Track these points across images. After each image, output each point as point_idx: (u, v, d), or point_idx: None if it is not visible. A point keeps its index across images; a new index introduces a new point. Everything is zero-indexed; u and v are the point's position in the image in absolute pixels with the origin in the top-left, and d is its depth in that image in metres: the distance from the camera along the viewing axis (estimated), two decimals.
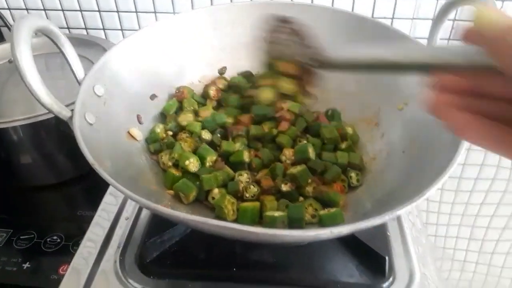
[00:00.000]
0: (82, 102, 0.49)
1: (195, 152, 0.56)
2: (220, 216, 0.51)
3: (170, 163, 0.56)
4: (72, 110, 0.47)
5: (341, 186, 0.55)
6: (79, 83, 0.52)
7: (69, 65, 0.51)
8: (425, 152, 0.51)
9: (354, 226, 0.37)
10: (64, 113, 0.47)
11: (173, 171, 0.54)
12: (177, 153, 0.55)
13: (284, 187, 0.52)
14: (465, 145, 0.44)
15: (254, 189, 0.53)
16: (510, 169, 0.68)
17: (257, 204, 0.51)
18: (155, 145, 0.58)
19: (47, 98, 0.45)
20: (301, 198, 0.53)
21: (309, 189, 0.53)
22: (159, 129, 0.59)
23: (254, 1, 0.67)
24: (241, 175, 0.54)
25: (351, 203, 0.53)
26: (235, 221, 0.51)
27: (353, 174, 0.56)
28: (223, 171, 0.54)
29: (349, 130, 0.61)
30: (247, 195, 0.53)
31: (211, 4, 0.86)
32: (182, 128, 0.60)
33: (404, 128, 0.56)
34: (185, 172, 0.54)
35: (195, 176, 0.54)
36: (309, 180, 0.53)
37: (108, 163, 0.47)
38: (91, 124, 0.49)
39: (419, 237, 0.56)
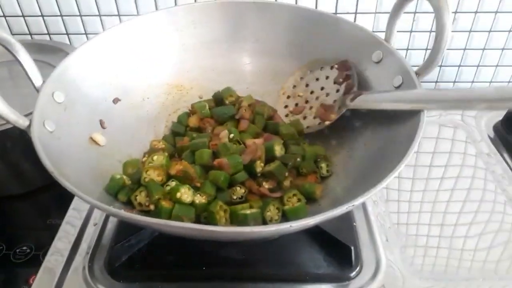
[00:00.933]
0: (40, 110, 0.48)
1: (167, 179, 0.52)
2: (211, 222, 0.49)
3: (148, 203, 0.50)
4: (30, 119, 0.47)
5: (315, 178, 0.56)
6: (37, 90, 0.51)
7: (25, 72, 0.50)
8: (385, 143, 0.52)
9: (314, 219, 0.37)
10: (21, 122, 0.46)
11: (166, 205, 0.49)
12: (158, 190, 0.49)
13: (266, 185, 0.53)
14: (420, 136, 0.46)
15: (241, 190, 0.53)
16: (462, 154, 0.71)
17: (257, 211, 0.49)
18: (122, 193, 0.52)
19: (4, 108, 0.44)
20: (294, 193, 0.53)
21: (286, 183, 0.54)
22: (118, 175, 0.53)
23: (216, 1, 0.67)
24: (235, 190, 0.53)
25: (325, 192, 0.54)
26: None
27: (323, 165, 0.58)
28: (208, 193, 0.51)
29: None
30: (234, 197, 0.52)
31: (175, 5, 0.86)
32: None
33: (364, 121, 0.58)
34: (178, 203, 0.50)
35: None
36: (286, 174, 0.54)
37: (70, 170, 0.46)
38: (51, 132, 0.48)
39: (384, 225, 0.58)
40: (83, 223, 0.59)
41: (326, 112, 0.62)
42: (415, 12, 0.86)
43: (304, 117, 0.65)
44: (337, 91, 0.62)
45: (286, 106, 0.68)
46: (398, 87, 0.55)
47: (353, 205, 0.39)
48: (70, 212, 0.62)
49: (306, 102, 0.66)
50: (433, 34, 0.85)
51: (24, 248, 0.62)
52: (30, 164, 0.70)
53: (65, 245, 0.56)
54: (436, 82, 0.96)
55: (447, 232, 0.57)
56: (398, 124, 0.50)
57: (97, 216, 0.60)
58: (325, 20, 0.64)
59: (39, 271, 0.54)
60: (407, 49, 0.91)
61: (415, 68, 0.54)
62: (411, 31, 0.88)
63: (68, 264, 0.54)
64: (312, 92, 0.66)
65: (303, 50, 0.66)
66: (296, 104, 0.67)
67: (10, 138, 0.65)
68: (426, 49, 0.91)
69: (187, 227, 0.37)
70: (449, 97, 0.47)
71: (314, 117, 0.64)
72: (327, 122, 0.61)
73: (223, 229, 0.36)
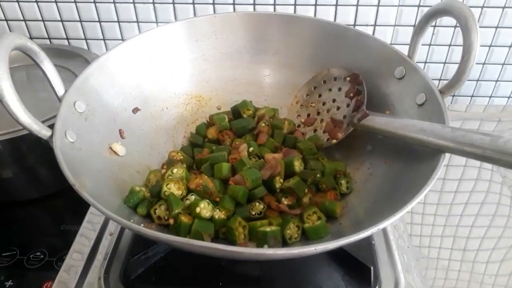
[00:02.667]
0: (62, 120, 0.48)
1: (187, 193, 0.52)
2: (229, 238, 0.49)
3: (167, 217, 0.49)
4: (52, 129, 0.47)
5: (334, 194, 0.55)
6: (59, 99, 0.51)
7: (49, 81, 0.50)
8: (407, 162, 0.51)
9: (338, 242, 0.37)
10: (44, 132, 0.46)
11: (185, 220, 0.48)
12: (178, 205, 0.49)
13: (285, 201, 0.52)
14: (445, 159, 0.45)
15: (260, 206, 0.52)
16: (488, 181, 0.70)
17: (277, 229, 0.48)
18: (142, 207, 0.51)
19: (26, 118, 0.44)
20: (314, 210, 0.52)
21: (305, 200, 0.54)
22: (138, 187, 0.53)
23: (236, 12, 0.67)
24: (254, 206, 0.52)
25: (345, 210, 0.54)
26: None
27: (343, 182, 0.57)
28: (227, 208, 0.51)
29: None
30: (253, 212, 0.52)
31: (194, 13, 0.86)
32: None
33: (387, 138, 0.57)
34: (197, 218, 0.49)
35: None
36: (306, 191, 0.53)
37: (90, 181, 0.46)
38: (72, 142, 0.48)
39: (403, 245, 0.57)
40: (99, 232, 0.59)
41: (335, 129, 0.62)
42: (435, 26, 0.85)
43: (315, 130, 0.65)
44: (348, 105, 0.62)
45: (298, 115, 0.68)
46: (421, 105, 0.54)
47: (378, 229, 0.39)
48: (87, 220, 0.62)
49: (318, 113, 0.66)
50: (452, 48, 0.87)
51: (38, 253, 0.63)
52: (45, 169, 0.71)
53: (80, 255, 0.56)
54: (472, 96, 0.95)
55: (469, 257, 0.55)
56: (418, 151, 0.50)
57: (113, 226, 0.60)
58: (347, 34, 0.64)
59: (55, 281, 0.54)
60: (425, 62, 0.90)
61: (439, 85, 0.53)
62: (430, 44, 0.88)
63: (84, 274, 0.54)
64: (324, 104, 0.66)
65: (324, 64, 0.66)
66: (308, 115, 0.67)
67: (26, 143, 0.66)
68: (445, 63, 0.90)
69: (210, 246, 0.36)
70: (475, 144, 0.43)
71: (324, 132, 0.64)
72: (334, 141, 0.62)
73: (245, 250, 0.35)
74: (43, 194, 0.72)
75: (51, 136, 0.46)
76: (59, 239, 0.65)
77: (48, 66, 0.50)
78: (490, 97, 0.94)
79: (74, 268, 0.55)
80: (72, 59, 0.81)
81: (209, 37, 0.67)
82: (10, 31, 0.91)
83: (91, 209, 0.64)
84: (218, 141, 0.63)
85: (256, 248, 0.35)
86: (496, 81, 0.92)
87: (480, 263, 0.55)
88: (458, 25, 0.50)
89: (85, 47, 0.93)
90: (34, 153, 0.68)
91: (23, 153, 0.67)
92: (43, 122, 0.63)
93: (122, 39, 0.91)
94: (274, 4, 0.84)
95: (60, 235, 0.65)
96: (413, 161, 0.50)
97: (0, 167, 0.68)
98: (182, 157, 0.60)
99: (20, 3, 0.87)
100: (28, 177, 0.71)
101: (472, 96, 0.95)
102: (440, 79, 0.91)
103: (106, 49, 0.93)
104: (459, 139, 0.44)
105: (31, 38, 0.92)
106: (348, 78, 0.63)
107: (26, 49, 0.48)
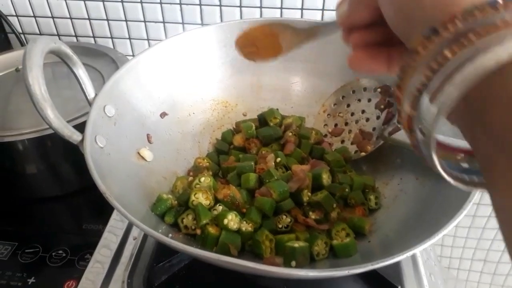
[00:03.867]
0: (93, 125, 0.48)
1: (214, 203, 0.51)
2: (256, 252, 0.48)
3: (194, 227, 0.49)
4: (82, 133, 0.47)
5: (362, 210, 0.54)
6: (90, 103, 0.51)
7: (80, 85, 0.51)
8: (439, 180, 0.50)
9: (371, 266, 0.36)
10: (75, 137, 0.46)
11: (213, 231, 0.48)
12: (206, 215, 0.48)
13: (313, 215, 0.51)
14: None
15: (287, 219, 0.52)
16: None
17: (306, 245, 0.47)
18: (169, 216, 0.50)
19: (58, 123, 0.44)
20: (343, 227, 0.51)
21: (333, 214, 0.52)
22: (165, 195, 0.52)
23: (264, 19, 0.66)
24: (281, 219, 0.52)
25: (374, 227, 0.52)
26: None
27: (372, 197, 0.56)
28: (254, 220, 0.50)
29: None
30: (280, 225, 0.51)
31: (220, 15, 0.85)
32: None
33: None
34: (225, 230, 0.48)
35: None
36: (334, 205, 0.52)
37: (119, 188, 0.46)
38: (101, 147, 0.48)
39: (431, 264, 0.55)
40: (123, 236, 0.59)
41: (364, 141, 0.61)
42: None
43: (342, 141, 0.64)
44: (377, 117, 0.60)
45: (325, 125, 0.67)
46: None
47: (411, 253, 0.38)
48: (110, 224, 0.62)
49: (346, 124, 0.65)
50: None
51: (60, 252, 0.63)
52: (69, 166, 0.71)
53: (105, 257, 0.56)
54: None
55: (499, 281, 0.54)
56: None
57: (137, 231, 0.60)
58: None
59: (77, 278, 0.54)
60: None
61: None
62: None
63: (109, 277, 0.54)
64: (352, 114, 0.64)
65: (354, 74, 0.65)
66: (336, 125, 0.66)
67: (52, 140, 0.66)
68: None
69: (240, 264, 0.36)
70: None
71: (352, 143, 0.62)
72: (362, 154, 0.60)
73: (276, 270, 0.34)
74: (66, 191, 0.73)
75: (82, 141, 0.46)
76: (81, 238, 0.65)
77: (80, 71, 0.50)
78: None
79: (97, 272, 0.55)
80: (98, 58, 0.81)
81: None
82: (38, 28, 0.92)
83: (115, 212, 0.64)
84: (244, 148, 0.62)
85: (286, 268, 0.35)
86: None
87: None
88: None
89: (111, 46, 0.93)
90: (59, 150, 0.68)
91: (48, 151, 0.68)
92: (69, 121, 0.65)
93: (148, 39, 0.91)
94: (302, 9, 0.83)
95: (82, 234, 0.66)
96: (446, 180, 0.49)
97: (25, 163, 0.69)
98: (208, 163, 0.59)
99: (48, 0, 0.88)
100: (52, 174, 0.71)
101: None
102: None
103: (132, 48, 0.93)
104: None
105: (58, 35, 0.93)
106: (379, 90, 0.61)
107: (60, 53, 0.48)
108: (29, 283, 0.58)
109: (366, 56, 0.31)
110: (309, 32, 0.39)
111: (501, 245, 0.60)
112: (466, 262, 0.56)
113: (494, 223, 0.64)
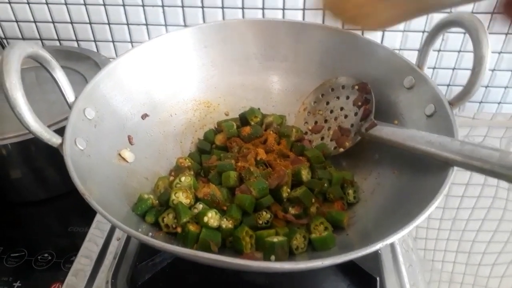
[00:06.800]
0: (72, 128, 0.49)
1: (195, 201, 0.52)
2: (236, 248, 0.49)
3: (175, 225, 0.50)
4: (62, 136, 0.47)
5: (341, 204, 0.55)
6: (70, 106, 0.51)
7: (60, 89, 0.51)
8: (415, 174, 0.51)
9: (345, 257, 0.37)
10: (54, 140, 0.47)
11: (193, 229, 0.48)
12: (186, 213, 0.49)
13: (292, 211, 0.52)
14: (454, 170, 0.45)
15: (267, 215, 0.52)
16: (495, 187, 0.69)
17: (284, 239, 0.48)
18: (150, 215, 0.51)
19: (37, 127, 0.45)
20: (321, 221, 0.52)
21: (312, 209, 0.54)
22: (146, 195, 0.53)
23: (243, 19, 0.67)
24: (261, 215, 0.52)
25: (352, 221, 0.53)
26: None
27: (350, 191, 0.57)
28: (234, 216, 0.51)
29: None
30: (260, 221, 0.52)
31: (203, 17, 0.86)
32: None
33: (394, 147, 0.57)
34: (205, 227, 0.49)
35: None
36: (313, 200, 0.53)
37: (99, 189, 0.47)
38: (81, 150, 0.49)
39: (409, 253, 0.57)
40: (107, 236, 0.60)
41: (342, 137, 0.62)
42: (444, 32, 0.85)
43: (322, 138, 0.65)
44: (355, 114, 0.62)
45: (306, 123, 0.68)
46: (430, 116, 0.54)
47: (385, 243, 0.39)
48: (94, 225, 0.62)
49: (325, 121, 0.66)
50: (462, 54, 0.86)
51: (46, 255, 0.63)
52: (53, 170, 0.71)
53: (88, 259, 0.57)
54: (481, 102, 0.94)
55: (472, 270, 0.56)
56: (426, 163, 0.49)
57: (120, 231, 0.60)
58: (357, 42, 0.63)
59: (63, 285, 0.55)
60: (434, 68, 0.90)
61: (448, 92, 0.53)
62: (439, 50, 0.87)
63: (92, 278, 0.55)
64: (331, 111, 0.66)
65: (332, 71, 0.66)
66: (316, 122, 0.67)
67: (35, 144, 0.66)
68: (454, 68, 0.89)
69: (217, 259, 0.36)
70: (483, 158, 0.43)
71: (331, 140, 0.64)
72: (341, 149, 0.62)
73: (253, 264, 0.35)
74: (51, 195, 0.73)
75: (61, 144, 0.47)
76: (66, 240, 0.65)
77: (59, 74, 0.50)
78: (499, 103, 0.94)
79: (82, 272, 0.56)
80: (81, 61, 0.82)
81: (218, 43, 0.67)
82: (20, 32, 0.92)
83: (98, 215, 0.64)
84: (226, 147, 0.63)
85: (263, 262, 0.36)
86: (506, 87, 0.91)
87: (485, 266, 0.55)
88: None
89: (94, 49, 0.93)
90: (43, 154, 0.69)
91: (32, 155, 0.68)
92: (53, 125, 0.65)
93: (131, 42, 0.91)
94: (283, 9, 0.84)
95: (68, 237, 0.66)
96: (421, 173, 0.50)
97: (9, 168, 0.69)
98: (190, 163, 0.60)
99: (30, 4, 0.88)
100: (37, 178, 0.71)
101: (480, 102, 0.94)
102: (448, 85, 0.91)
103: (115, 51, 0.93)
104: (467, 153, 0.44)
105: (41, 39, 0.93)
106: (356, 87, 0.63)
107: (38, 57, 0.48)
108: (15, 287, 0.58)
109: None
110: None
111: (471, 234, 0.62)
112: (451, 255, 0.58)
113: (464, 214, 0.66)
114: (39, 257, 0.62)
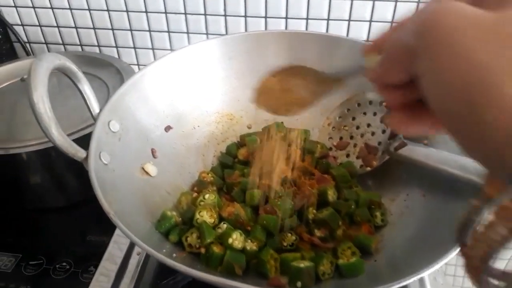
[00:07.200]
0: (97, 141, 0.48)
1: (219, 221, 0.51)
2: (261, 271, 0.47)
3: (198, 245, 0.48)
4: (86, 151, 0.47)
5: (368, 227, 0.53)
6: (94, 119, 0.51)
7: (85, 101, 0.51)
8: (446, 198, 0.49)
9: None
10: (79, 155, 0.46)
11: (217, 250, 0.47)
12: (210, 234, 0.48)
13: (318, 233, 0.51)
14: None
15: (292, 237, 0.51)
16: None
17: (311, 265, 0.46)
18: (174, 234, 0.50)
19: (63, 141, 0.44)
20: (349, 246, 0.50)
21: (339, 232, 0.52)
22: (169, 212, 0.52)
23: (269, 31, 0.66)
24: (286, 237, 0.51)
25: (380, 245, 0.51)
26: None
27: (378, 214, 0.55)
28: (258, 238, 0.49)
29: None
30: (285, 243, 0.50)
31: (225, 25, 0.85)
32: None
33: (424, 169, 0.55)
34: (229, 249, 0.48)
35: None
36: (340, 223, 0.52)
37: (123, 205, 0.46)
38: (106, 164, 0.48)
39: (439, 283, 0.55)
40: (127, 251, 0.59)
41: (369, 156, 0.60)
42: None
43: (347, 155, 0.63)
44: (383, 132, 0.60)
45: (330, 138, 0.66)
46: None
47: (418, 277, 0.37)
48: (114, 239, 0.62)
49: (351, 137, 0.64)
50: None
51: (64, 264, 0.63)
52: (73, 177, 0.71)
53: (108, 273, 0.56)
54: None
55: None
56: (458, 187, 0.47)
57: None
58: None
59: None
60: None
61: None
62: None
63: None
64: (358, 128, 0.64)
65: (360, 86, 0.64)
66: (341, 138, 0.65)
67: (56, 151, 0.66)
68: None
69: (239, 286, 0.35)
70: None
71: (357, 157, 0.62)
72: (368, 168, 0.60)
73: None
74: (71, 202, 0.72)
75: (86, 158, 0.46)
76: (85, 249, 0.65)
77: (85, 86, 0.50)
78: None
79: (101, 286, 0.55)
80: (103, 68, 0.81)
81: (242, 55, 0.66)
82: (43, 37, 0.92)
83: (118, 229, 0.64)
84: (248, 162, 0.62)
85: None
86: None
87: None
88: None
89: (116, 55, 0.93)
90: (63, 161, 0.68)
91: (53, 162, 0.68)
92: (75, 133, 0.65)
93: (153, 48, 0.91)
94: (307, 18, 0.83)
95: (86, 246, 0.65)
96: (453, 197, 0.48)
97: (29, 174, 0.69)
98: (212, 178, 0.59)
99: (54, 10, 0.88)
100: (56, 184, 0.71)
101: None
102: None
103: (136, 58, 0.93)
104: None
105: (63, 44, 0.93)
106: (384, 103, 0.61)
107: (65, 69, 0.48)
108: None
109: (407, 118, 0.28)
110: (334, 78, 0.37)
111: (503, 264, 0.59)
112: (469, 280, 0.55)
113: None
114: (57, 266, 0.62)
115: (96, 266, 0.59)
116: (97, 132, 0.49)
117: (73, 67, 0.48)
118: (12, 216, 0.72)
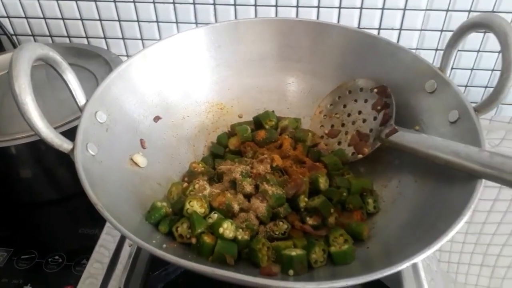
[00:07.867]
0: (83, 132, 0.47)
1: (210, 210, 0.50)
2: (253, 260, 0.46)
3: (189, 235, 0.48)
4: (73, 141, 0.46)
5: (360, 214, 0.53)
6: (80, 110, 0.50)
7: (70, 91, 0.49)
8: (439, 183, 0.49)
9: (370, 277, 0.35)
10: (65, 146, 0.45)
11: (208, 240, 0.46)
12: (201, 224, 0.47)
13: (310, 221, 0.50)
14: (483, 183, 0.43)
15: (284, 225, 0.50)
16: None
17: (303, 253, 0.46)
18: (164, 224, 0.49)
19: (47, 132, 0.43)
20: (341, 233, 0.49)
21: (331, 220, 0.51)
22: (159, 203, 0.51)
23: (259, 18, 0.65)
24: (278, 225, 0.50)
25: (373, 232, 0.51)
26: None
27: (370, 201, 0.54)
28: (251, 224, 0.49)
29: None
30: (277, 232, 0.50)
31: (215, 14, 0.84)
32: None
33: (416, 155, 0.54)
34: (220, 239, 0.47)
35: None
36: (332, 210, 0.51)
37: (111, 197, 0.45)
38: (93, 156, 0.47)
39: (432, 268, 0.55)
40: (119, 242, 0.59)
41: (360, 142, 0.59)
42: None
43: (339, 143, 0.63)
44: (374, 118, 0.59)
45: (321, 126, 0.66)
46: (453, 123, 0.52)
47: (411, 263, 0.37)
48: (106, 231, 0.61)
49: (342, 125, 0.64)
50: (480, 54, 0.83)
51: (56, 257, 0.62)
52: (64, 170, 0.70)
53: (100, 265, 0.56)
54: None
55: (496, 284, 0.54)
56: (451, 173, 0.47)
57: None
58: (377, 44, 0.61)
59: (73, 284, 0.54)
60: (452, 68, 0.87)
61: (465, 91, 0.50)
62: (472, 69, 0.85)
63: (104, 285, 0.54)
64: (349, 115, 0.63)
65: (350, 73, 0.64)
66: (332, 126, 0.65)
67: (45, 144, 0.65)
68: (472, 69, 0.86)
69: (237, 277, 0.35)
70: None
71: (349, 145, 0.61)
72: (359, 156, 0.59)
73: (273, 283, 0.34)
74: (62, 195, 0.72)
75: (72, 150, 0.45)
76: (77, 243, 0.64)
77: (70, 76, 0.49)
78: None
79: (93, 279, 0.55)
80: (91, 59, 0.80)
81: (232, 43, 0.65)
82: (30, 29, 0.91)
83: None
84: (239, 152, 0.61)
85: (283, 281, 0.34)
86: None
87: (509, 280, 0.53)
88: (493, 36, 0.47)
89: (104, 46, 0.92)
90: (53, 154, 0.67)
91: (42, 155, 0.67)
92: (64, 125, 0.64)
93: (142, 39, 0.90)
94: (297, 6, 0.82)
95: (79, 239, 0.65)
96: (445, 183, 0.48)
97: (19, 167, 0.68)
98: (203, 168, 0.58)
99: (40, 1, 0.86)
100: (47, 178, 0.71)
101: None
102: (466, 86, 0.88)
103: (125, 48, 0.92)
104: (498, 166, 0.42)
105: (50, 36, 0.91)
106: (375, 90, 0.60)
107: (48, 59, 0.46)
108: None
109: None
110: None
111: (497, 249, 0.60)
112: (463, 266, 0.56)
113: (490, 228, 0.64)
114: (49, 260, 0.62)
115: (88, 259, 0.58)
116: (83, 123, 0.48)
117: (57, 56, 0.47)
118: (3, 210, 0.71)
